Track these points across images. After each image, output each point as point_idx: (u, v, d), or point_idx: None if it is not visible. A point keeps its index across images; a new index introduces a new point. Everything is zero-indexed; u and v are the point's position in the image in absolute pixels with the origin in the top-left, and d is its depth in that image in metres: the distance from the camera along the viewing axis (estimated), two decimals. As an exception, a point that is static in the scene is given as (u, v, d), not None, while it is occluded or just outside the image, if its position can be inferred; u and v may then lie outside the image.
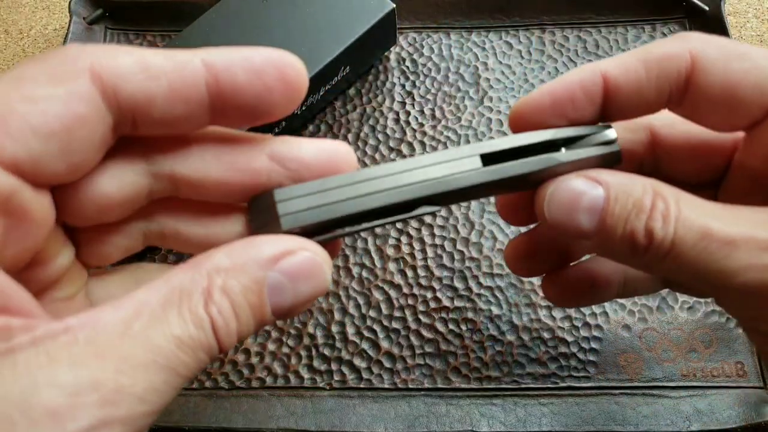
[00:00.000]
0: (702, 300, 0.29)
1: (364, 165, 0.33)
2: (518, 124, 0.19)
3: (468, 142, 0.34)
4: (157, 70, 0.14)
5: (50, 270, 0.16)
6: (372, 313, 0.30)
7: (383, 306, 0.30)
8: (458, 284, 0.30)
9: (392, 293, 0.30)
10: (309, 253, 0.15)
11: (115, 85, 0.14)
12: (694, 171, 0.20)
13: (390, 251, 0.31)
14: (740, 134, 0.18)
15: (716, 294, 0.17)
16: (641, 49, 0.18)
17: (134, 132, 0.15)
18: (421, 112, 0.35)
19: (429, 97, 0.35)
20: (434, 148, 0.34)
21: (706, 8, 0.36)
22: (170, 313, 0.14)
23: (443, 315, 0.30)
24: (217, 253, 0.15)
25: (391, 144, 0.34)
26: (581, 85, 0.18)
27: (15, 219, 0.14)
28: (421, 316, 0.30)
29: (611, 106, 0.18)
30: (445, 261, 0.31)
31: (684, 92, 0.17)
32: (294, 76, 0.15)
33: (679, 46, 0.17)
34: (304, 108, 0.33)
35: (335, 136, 0.34)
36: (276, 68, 0.15)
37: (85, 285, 0.18)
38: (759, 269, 0.15)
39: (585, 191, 0.17)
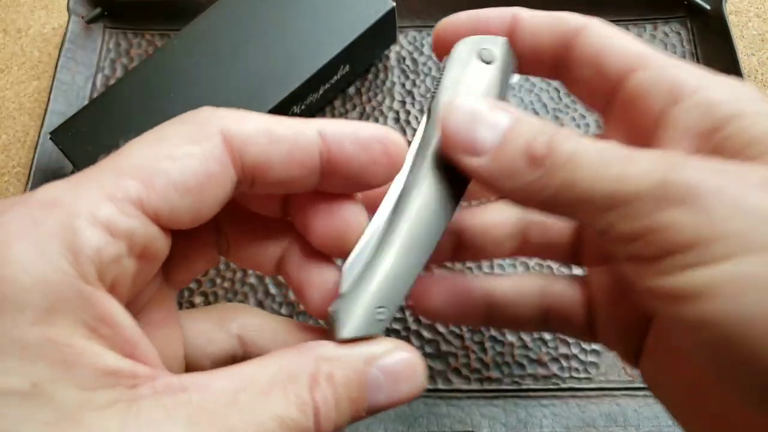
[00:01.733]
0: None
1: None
2: (442, 33, 0.21)
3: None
4: (278, 136, 0.16)
5: (145, 293, 0.17)
6: (372, 314, 0.30)
7: (383, 306, 0.30)
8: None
9: (392, 293, 0.30)
10: (408, 354, 0.16)
11: (242, 148, 0.15)
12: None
13: (390, 251, 0.31)
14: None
15: (608, 212, 0.16)
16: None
17: (251, 190, 0.16)
18: (421, 111, 0.35)
19: (429, 96, 0.35)
20: (434, 148, 0.33)
21: (708, 7, 0.36)
22: (276, 393, 0.14)
23: (443, 315, 0.30)
24: (325, 342, 0.16)
25: (391, 143, 0.34)
26: (498, 15, 0.20)
27: (147, 261, 0.15)
28: (421, 317, 0.30)
29: (515, 40, 0.20)
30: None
31: (569, 50, 0.19)
32: (395, 152, 0.17)
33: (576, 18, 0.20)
34: (303, 107, 0.33)
35: (335, 136, 0.34)
36: (381, 143, 0.17)
37: (176, 313, 0.18)
38: (660, 171, 0.15)
39: (488, 111, 0.17)
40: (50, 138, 0.31)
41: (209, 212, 0.16)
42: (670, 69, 0.18)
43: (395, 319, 0.29)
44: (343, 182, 0.17)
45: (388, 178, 0.17)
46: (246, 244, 0.19)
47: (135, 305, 0.17)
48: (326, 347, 0.15)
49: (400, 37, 0.37)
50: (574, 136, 0.16)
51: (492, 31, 0.20)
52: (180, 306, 0.30)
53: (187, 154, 0.15)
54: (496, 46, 0.20)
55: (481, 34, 0.20)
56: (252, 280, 0.31)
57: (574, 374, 0.28)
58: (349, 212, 0.18)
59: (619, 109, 0.19)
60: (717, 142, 0.16)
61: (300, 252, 0.18)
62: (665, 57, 0.19)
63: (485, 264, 0.31)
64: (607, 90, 0.19)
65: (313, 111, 0.34)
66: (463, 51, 0.20)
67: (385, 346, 0.16)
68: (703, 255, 0.14)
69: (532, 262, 0.30)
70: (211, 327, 0.19)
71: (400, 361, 0.16)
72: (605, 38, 0.19)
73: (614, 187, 0.15)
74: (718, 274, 0.14)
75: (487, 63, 0.19)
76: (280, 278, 0.30)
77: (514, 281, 0.23)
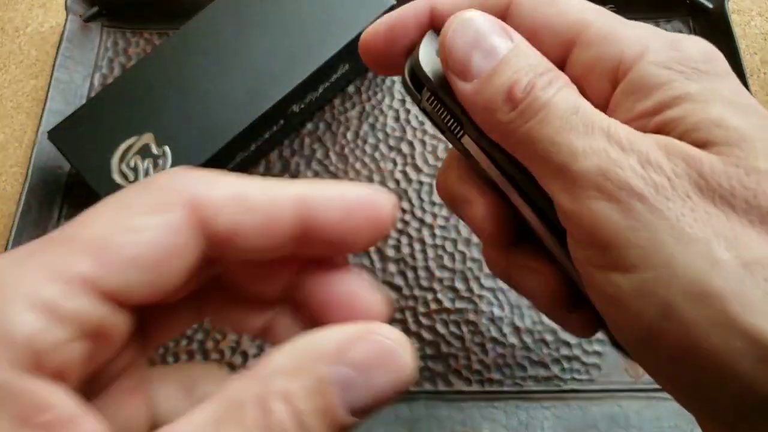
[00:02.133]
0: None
1: (363, 165, 0.33)
2: (367, 53, 0.21)
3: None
4: (252, 204, 0.14)
5: (117, 363, 0.16)
6: (372, 315, 0.30)
7: (383, 307, 0.30)
8: (459, 285, 0.30)
9: (392, 294, 0.30)
10: (379, 337, 0.13)
11: (211, 218, 0.14)
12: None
13: (390, 252, 0.31)
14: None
15: (556, 181, 0.16)
16: None
17: (220, 257, 0.15)
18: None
19: (429, 95, 0.35)
20: (435, 147, 0.33)
21: (710, 6, 0.36)
22: None
23: (444, 317, 0.29)
24: (275, 353, 0.13)
25: (391, 143, 0.34)
26: (414, 14, 0.19)
27: (100, 341, 0.14)
28: (421, 318, 0.29)
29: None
30: (446, 262, 0.30)
31: None
32: (383, 218, 0.15)
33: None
34: (302, 106, 0.32)
35: (334, 135, 0.34)
36: (366, 209, 0.15)
37: (147, 378, 0.17)
38: (598, 156, 0.15)
39: (492, 35, 0.17)
40: (48, 137, 0.30)
41: (173, 286, 0.14)
42: (607, 44, 0.17)
43: (395, 321, 0.29)
44: (322, 247, 0.16)
45: (372, 243, 0.16)
46: (228, 312, 0.17)
47: (104, 378, 0.15)
48: (276, 359, 0.13)
49: (400, 36, 0.37)
50: (557, 84, 0.16)
51: (411, 33, 0.19)
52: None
53: (147, 226, 0.14)
54: None
55: (401, 39, 0.20)
56: (251, 280, 0.31)
57: (576, 376, 0.28)
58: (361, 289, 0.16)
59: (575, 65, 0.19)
60: (659, 126, 0.16)
61: (289, 319, 0.17)
62: (602, 23, 0.18)
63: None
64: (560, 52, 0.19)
65: (313, 109, 0.34)
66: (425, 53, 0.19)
67: (350, 332, 0.13)
68: (618, 259, 0.15)
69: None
70: (179, 393, 0.17)
71: (372, 348, 0.13)
72: (535, 11, 0.18)
73: (565, 159, 0.15)
74: (626, 282, 0.15)
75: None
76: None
77: None
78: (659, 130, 0.16)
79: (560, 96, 0.16)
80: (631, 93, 0.17)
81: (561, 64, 0.18)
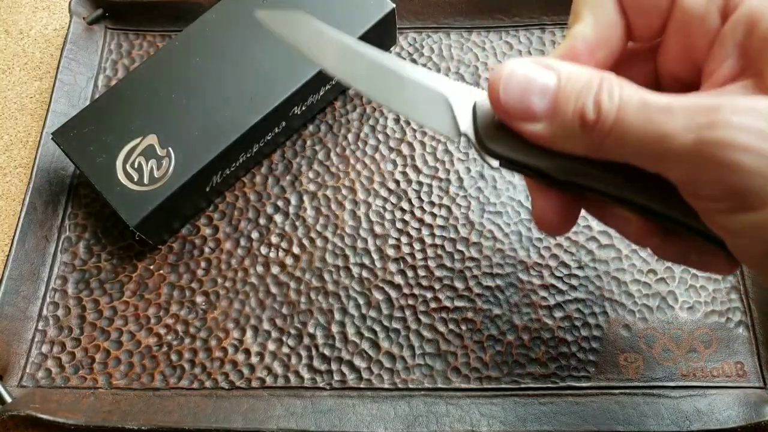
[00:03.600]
0: (702, 300, 0.29)
1: (364, 165, 0.33)
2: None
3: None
4: None
5: None
6: (372, 313, 0.30)
7: (383, 306, 0.30)
8: (458, 284, 0.30)
9: (392, 293, 0.30)
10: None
11: None
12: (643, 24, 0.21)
13: (390, 252, 0.31)
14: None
15: (659, 163, 0.17)
16: None
17: None
18: (421, 112, 0.35)
19: (429, 97, 0.35)
20: (434, 148, 0.34)
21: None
22: None
23: (443, 315, 0.30)
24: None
25: (391, 144, 0.34)
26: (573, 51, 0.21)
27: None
28: (421, 316, 0.30)
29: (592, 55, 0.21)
30: (445, 261, 0.31)
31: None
32: None
33: None
34: (304, 108, 0.33)
35: (335, 136, 0.34)
36: None
37: None
38: (694, 129, 0.16)
39: (538, 76, 0.18)
40: (52, 138, 0.31)
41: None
42: None
43: (395, 319, 0.30)
44: None
45: None
46: None
47: None
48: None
49: (400, 39, 0.37)
50: (616, 89, 0.17)
51: None
52: (181, 305, 0.31)
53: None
54: None
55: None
56: (253, 279, 0.31)
57: (573, 373, 0.28)
58: None
59: (675, 31, 0.20)
60: (762, 64, 0.17)
61: None
62: None
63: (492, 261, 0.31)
64: (660, 13, 0.20)
65: (314, 111, 0.34)
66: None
67: None
68: (738, 204, 0.16)
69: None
70: None
71: None
72: None
73: (657, 147, 0.17)
74: (755, 218, 0.16)
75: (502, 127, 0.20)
76: (281, 277, 0.31)
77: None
78: (761, 72, 0.17)
79: (624, 99, 0.17)
80: (736, 29, 0.18)
81: (666, 15, 0.19)
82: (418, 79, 0.21)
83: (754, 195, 0.16)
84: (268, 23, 0.22)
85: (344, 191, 0.33)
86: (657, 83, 0.22)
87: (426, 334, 0.29)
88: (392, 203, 0.32)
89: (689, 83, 0.20)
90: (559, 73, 0.18)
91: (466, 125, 0.21)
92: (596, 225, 0.31)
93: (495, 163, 0.21)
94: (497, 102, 0.19)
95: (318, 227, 0.32)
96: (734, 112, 0.16)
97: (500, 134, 0.20)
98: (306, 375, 0.29)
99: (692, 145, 0.16)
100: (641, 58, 0.22)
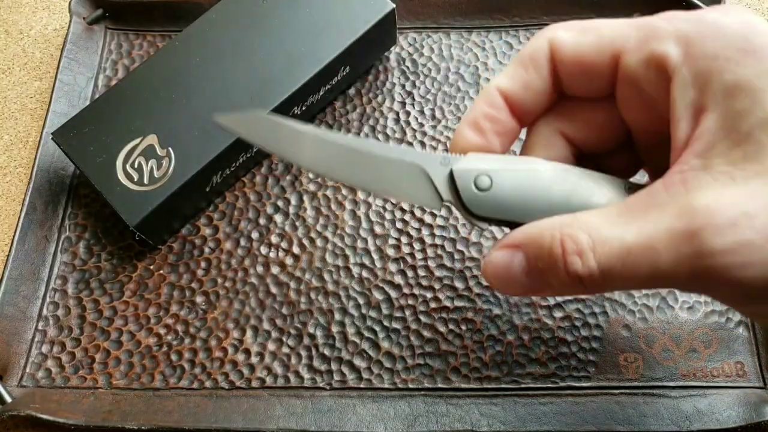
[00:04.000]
0: (702, 300, 0.29)
1: (364, 165, 0.33)
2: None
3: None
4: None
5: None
6: (372, 313, 0.30)
7: (383, 306, 0.30)
8: (458, 284, 0.30)
9: (392, 293, 0.30)
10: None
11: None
12: (587, 89, 0.21)
13: (390, 251, 0.31)
14: (609, 55, 0.20)
15: (663, 287, 0.19)
16: (517, 56, 0.21)
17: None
18: (421, 112, 0.35)
19: (429, 97, 0.35)
20: (434, 149, 0.34)
21: (705, 7, 0.36)
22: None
23: (443, 315, 0.30)
24: None
25: (391, 144, 0.34)
26: (492, 106, 0.21)
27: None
28: (421, 316, 0.30)
29: (515, 109, 0.21)
30: (445, 261, 0.31)
31: (555, 73, 0.20)
32: None
33: (537, 41, 0.20)
34: (304, 108, 0.33)
35: (335, 136, 0.34)
36: None
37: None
38: (685, 263, 0.16)
39: (508, 262, 0.19)
40: (52, 138, 0.31)
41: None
42: (649, 45, 0.18)
43: (395, 319, 0.30)
44: None
45: None
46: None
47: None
48: None
49: (400, 39, 0.37)
50: (584, 245, 0.17)
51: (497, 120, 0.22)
52: (181, 305, 0.31)
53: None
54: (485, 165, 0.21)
55: (487, 131, 0.21)
56: (253, 279, 0.31)
57: (573, 373, 0.28)
58: None
59: (624, 95, 0.20)
60: (731, 123, 0.16)
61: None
62: (639, 28, 0.19)
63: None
64: (602, 79, 0.20)
65: (314, 112, 0.34)
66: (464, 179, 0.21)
67: None
68: (754, 298, 0.16)
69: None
70: None
71: None
72: (577, 43, 0.20)
73: (657, 281, 0.16)
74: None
75: (484, 190, 0.21)
76: (281, 277, 0.31)
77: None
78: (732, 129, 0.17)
79: (601, 257, 0.17)
80: (685, 89, 0.17)
81: (612, 74, 0.19)
82: (392, 156, 0.22)
83: (764, 290, 0.15)
84: (229, 128, 0.22)
85: (344, 191, 0.33)
86: (621, 124, 0.22)
87: (426, 334, 0.29)
88: (392, 203, 0.32)
89: (657, 131, 0.20)
90: (525, 250, 0.19)
91: (447, 193, 0.21)
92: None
93: (484, 225, 0.21)
94: (498, 285, 0.20)
95: (318, 227, 0.32)
96: (716, 234, 0.15)
97: (484, 200, 0.20)
98: (306, 375, 0.29)
99: (690, 276, 0.16)
100: (599, 105, 0.22)
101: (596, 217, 0.17)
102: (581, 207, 0.19)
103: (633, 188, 0.20)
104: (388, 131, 0.34)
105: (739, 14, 0.17)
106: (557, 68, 0.20)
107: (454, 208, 0.22)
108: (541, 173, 0.20)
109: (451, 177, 0.21)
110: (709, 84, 0.16)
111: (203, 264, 0.31)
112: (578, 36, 0.20)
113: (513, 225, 0.21)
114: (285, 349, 0.29)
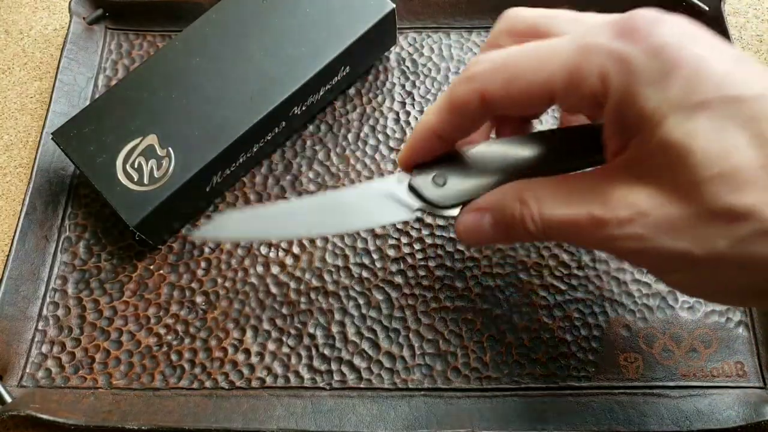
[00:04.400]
0: (702, 300, 0.29)
1: (364, 165, 0.33)
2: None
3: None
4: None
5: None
6: (372, 313, 0.30)
7: (383, 306, 0.30)
8: (458, 284, 0.30)
9: (392, 293, 0.30)
10: None
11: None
12: (520, 113, 0.25)
13: (390, 252, 0.31)
14: (539, 100, 0.22)
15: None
16: (447, 98, 0.23)
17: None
18: (421, 112, 0.35)
19: (429, 97, 0.35)
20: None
21: (706, 8, 0.36)
22: None
23: (443, 315, 0.30)
24: None
25: (391, 144, 0.34)
26: (427, 141, 0.24)
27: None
28: (421, 316, 0.30)
29: (449, 142, 0.24)
30: (446, 261, 0.31)
31: (487, 114, 0.23)
32: None
33: (467, 93, 0.22)
34: (304, 108, 0.33)
35: (335, 136, 0.34)
36: None
37: None
38: (599, 241, 0.21)
39: (479, 221, 0.24)
40: (52, 138, 0.31)
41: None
42: (577, 89, 0.20)
43: (395, 319, 0.30)
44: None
45: None
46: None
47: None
48: None
49: (400, 39, 0.37)
50: (534, 212, 0.22)
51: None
52: (181, 305, 0.31)
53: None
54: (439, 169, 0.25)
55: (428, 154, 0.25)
56: (253, 279, 0.31)
57: (573, 373, 0.28)
58: None
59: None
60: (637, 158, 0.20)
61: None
62: (566, 69, 0.21)
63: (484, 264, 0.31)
64: (540, 107, 0.23)
65: (314, 112, 0.34)
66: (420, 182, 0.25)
67: None
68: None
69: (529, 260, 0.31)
70: None
71: None
72: (505, 86, 0.22)
73: (577, 241, 0.22)
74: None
75: (442, 185, 0.24)
76: (281, 277, 0.31)
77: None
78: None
79: (545, 223, 0.22)
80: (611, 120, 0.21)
81: (549, 102, 0.22)
82: (358, 193, 0.25)
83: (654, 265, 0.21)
84: (206, 239, 0.25)
85: (344, 191, 0.33)
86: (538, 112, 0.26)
87: (426, 334, 0.29)
88: (392, 203, 0.32)
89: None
90: (491, 213, 0.23)
91: (414, 201, 0.25)
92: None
93: (455, 211, 0.25)
94: (470, 239, 0.25)
95: (318, 227, 0.32)
96: (618, 226, 0.20)
97: (446, 192, 0.24)
98: (306, 375, 0.29)
99: (599, 246, 0.21)
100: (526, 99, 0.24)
101: (544, 190, 0.22)
102: (514, 172, 0.24)
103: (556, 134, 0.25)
104: (388, 131, 0.34)
105: (659, 36, 0.19)
106: (489, 112, 0.23)
107: (423, 214, 0.25)
108: (475, 156, 0.24)
109: (411, 187, 0.25)
110: (628, 110, 0.20)
111: (203, 264, 0.31)
112: (507, 85, 0.21)
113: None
114: (285, 349, 0.29)
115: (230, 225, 0.25)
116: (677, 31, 0.19)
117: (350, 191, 0.25)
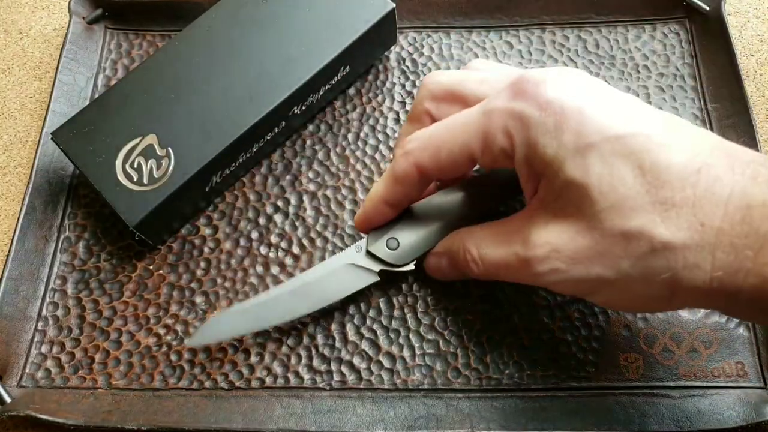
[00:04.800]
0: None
1: (364, 165, 0.33)
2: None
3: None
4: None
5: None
6: (372, 313, 0.30)
7: (383, 306, 0.30)
8: (458, 284, 0.30)
9: (392, 293, 0.30)
10: None
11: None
12: (451, 176, 0.27)
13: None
14: (462, 164, 0.25)
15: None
16: (392, 172, 0.27)
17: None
18: (421, 111, 0.35)
19: (429, 96, 0.35)
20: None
21: (707, 8, 0.36)
22: None
23: (443, 315, 0.30)
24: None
25: (391, 144, 0.34)
26: (379, 209, 0.28)
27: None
28: (421, 316, 0.30)
29: (393, 205, 0.28)
30: (445, 261, 0.31)
31: (425, 179, 0.26)
32: None
33: (407, 167, 0.26)
34: (304, 108, 0.33)
35: (335, 136, 0.34)
36: None
37: None
38: (522, 268, 0.24)
39: (438, 263, 0.28)
40: (51, 138, 0.31)
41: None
42: (490, 150, 0.24)
43: (395, 319, 0.30)
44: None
45: None
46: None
47: None
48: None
49: (400, 38, 0.37)
50: (475, 256, 0.26)
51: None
52: (181, 305, 0.30)
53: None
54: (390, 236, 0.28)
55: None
56: (253, 279, 0.31)
57: (574, 373, 0.28)
58: None
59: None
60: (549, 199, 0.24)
61: None
62: (479, 136, 0.24)
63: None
64: (465, 173, 0.28)
65: (314, 111, 0.34)
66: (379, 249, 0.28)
67: None
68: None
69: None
70: None
71: None
72: (436, 163, 0.26)
73: (512, 278, 0.25)
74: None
75: (396, 248, 0.28)
76: (281, 277, 0.31)
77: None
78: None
79: (483, 266, 0.26)
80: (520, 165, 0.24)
81: (471, 164, 0.25)
82: (326, 271, 0.28)
83: (571, 291, 0.25)
84: (200, 343, 0.29)
85: (344, 191, 0.33)
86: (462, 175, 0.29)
87: (426, 334, 0.29)
88: (392, 203, 0.32)
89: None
90: (446, 256, 0.28)
91: (375, 265, 0.28)
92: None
93: (412, 266, 0.28)
94: (438, 277, 0.29)
95: (318, 227, 0.32)
96: (538, 263, 0.23)
97: (400, 253, 0.28)
98: (306, 375, 0.29)
99: (529, 281, 0.24)
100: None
101: (482, 235, 0.26)
102: (453, 219, 0.28)
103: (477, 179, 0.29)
104: (388, 131, 0.34)
105: (544, 94, 0.22)
106: (426, 180, 0.26)
107: (384, 275, 0.28)
108: (420, 211, 0.28)
109: (369, 253, 0.28)
110: (533, 160, 0.23)
111: (203, 264, 0.31)
112: (435, 156, 0.25)
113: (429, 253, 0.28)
114: (285, 349, 0.29)
115: (219, 328, 0.28)
116: (559, 87, 0.23)
117: (317, 270, 0.29)
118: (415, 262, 0.28)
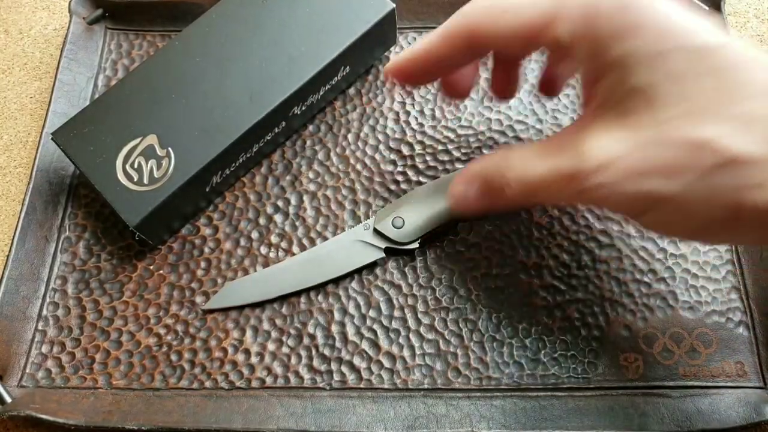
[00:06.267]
0: (702, 300, 0.29)
1: (364, 165, 0.33)
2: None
3: (468, 142, 0.34)
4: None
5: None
6: (372, 313, 0.30)
7: (383, 306, 0.30)
8: (458, 284, 0.30)
9: (392, 293, 0.30)
10: None
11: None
12: (504, 50, 0.26)
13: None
14: (520, 43, 0.24)
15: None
16: (439, 27, 0.25)
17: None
18: (421, 112, 0.35)
19: (429, 97, 0.35)
20: (434, 149, 0.34)
21: (706, 8, 0.36)
22: None
23: (443, 315, 0.30)
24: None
25: (391, 144, 0.34)
26: (422, 55, 0.26)
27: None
28: (421, 316, 0.30)
29: (432, 63, 0.26)
30: (446, 262, 0.31)
31: (475, 44, 0.25)
32: None
33: (458, 19, 0.25)
34: (304, 108, 0.33)
35: (335, 136, 0.34)
36: None
37: None
38: (574, 194, 0.22)
39: (466, 191, 0.26)
40: (52, 138, 0.31)
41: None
42: (553, 30, 0.22)
43: (395, 319, 0.30)
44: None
45: None
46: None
47: None
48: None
49: (400, 39, 0.37)
50: (510, 170, 0.24)
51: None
52: (181, 305, 0.31)
53: None
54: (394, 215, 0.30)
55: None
56: (253, 279, 0.31)
57: (574, 373, 0.28)
58: None
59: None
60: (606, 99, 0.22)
61: None
62: (545, 16, 0.22)
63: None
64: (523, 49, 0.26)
65: (314, 111, 0.34)
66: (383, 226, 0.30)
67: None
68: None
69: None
70: None
71: None
72: (495, 24, 0.24)
73: (554, 198, 0.26)
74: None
75: (401, 227, 0.30)
76: (281, 278, 0.31)
77: None
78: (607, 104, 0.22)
79: (520, 186, 0.24)
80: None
81: (529, 43, 0.24)
82: (335, 245, 0.30)
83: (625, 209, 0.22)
84: (217, 307, 0.30)
85: (344, 191, 0.33)
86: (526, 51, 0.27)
87: (426, 334, 0.29)
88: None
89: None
90: (477, 183, 0.26)
91: (381, 242, 0.30)
92: (596, 225, 0.31)
93: (416, 245, 0.30)
94: (461, 208, 0.27)
95: (318, 227, 0.32)
96: (589, 176, 0.21)
97: (405, 231, 0.30)
98: (306, 375, 0.29)
99: (575, 200, 0.25)
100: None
101: (524, 151, 0.24)
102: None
103: None
104: (388, 131, 0.34)
105: None
106: (475, 46, 0.25)
107: (388, 254, 0.30)
108: (425, 193, 0.30)
109: (376, 231, 0.30)
110: (598, 59, 0.21)
111: (203, 264, 0.31)
112: (493, 21, 0.23)
113: (432, 233, 0.30)
114: (285, 350, 0.29)
115: (234, 294, 0.30)
116: None
117: (327, 244, 0.31)
118: (419, 241, 0.30)
